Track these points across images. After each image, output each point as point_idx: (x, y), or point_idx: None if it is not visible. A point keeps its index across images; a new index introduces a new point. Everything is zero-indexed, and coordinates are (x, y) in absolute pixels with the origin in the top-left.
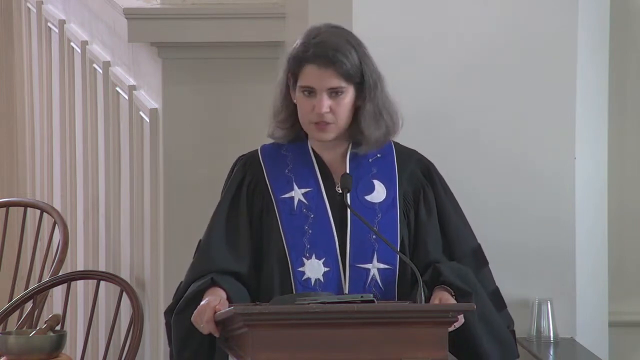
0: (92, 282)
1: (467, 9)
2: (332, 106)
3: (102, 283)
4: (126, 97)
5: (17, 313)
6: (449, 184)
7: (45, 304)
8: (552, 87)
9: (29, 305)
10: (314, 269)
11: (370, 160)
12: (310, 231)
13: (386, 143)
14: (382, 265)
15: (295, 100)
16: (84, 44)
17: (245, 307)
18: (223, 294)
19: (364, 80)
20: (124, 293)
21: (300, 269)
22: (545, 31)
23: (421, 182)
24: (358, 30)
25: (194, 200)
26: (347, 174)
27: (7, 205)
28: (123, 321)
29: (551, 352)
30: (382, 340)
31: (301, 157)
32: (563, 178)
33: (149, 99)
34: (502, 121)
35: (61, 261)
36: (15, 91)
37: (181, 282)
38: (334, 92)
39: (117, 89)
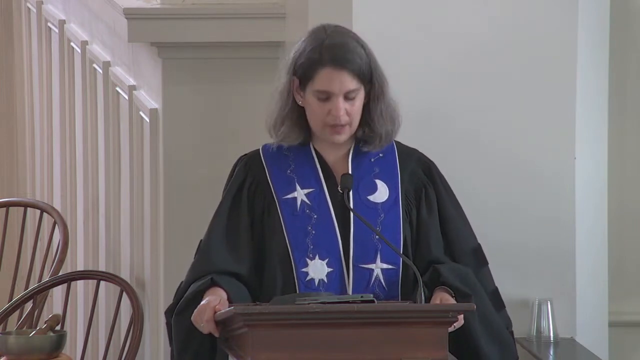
0: (92, 282)
1: (467, 9)
2: (347, 108)
3: (102, 283)
4: (126, 97)
5: (17, 313)
6: (449, 183)
7: (45, 304)
8: (552, 87)
9: (29, 305)
10: (317, 269)
11: (372, 160)
12: (313, 232)
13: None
14: (385, 266)
15: (300, 103)
16: (84, 44)
17: (245, 307)
18: (223, 294)
19: (372, 79)
20: (124, 293)
21: (303, 270)
22: (545, 31)
23: (422, 180)
24: (358, 30)
25: (194, 200)
26: (348, 173)
27: (7, 205)
28: (123, 321)
29: (551, 352)
30: (382, 340)
31: (303, 157)
32: (563, 178)
33: (149, 99)
34: (502, 121)
35: (61, 261)
36: (15, 91)
37: (181, 283)
38: (349, 95)
39: (117, 89)
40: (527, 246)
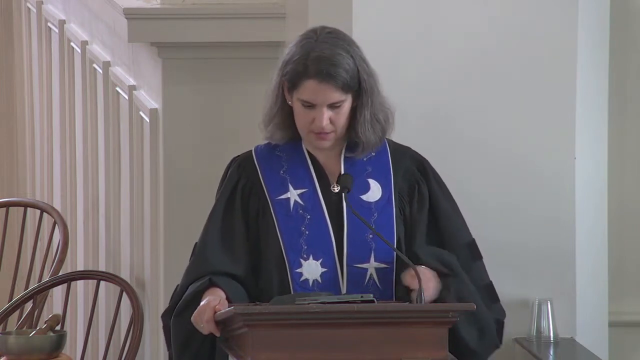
0: (92, 282)
1: (467, 9)
2: (332, 117)
3: (102, 283)
4: (126, 97)
5: (17, 313)
6: (449, 184)
7: (45, 304)
8: (552, 87)
9: (29, 305)
10: (311, 270)
11: (364, 159)
12: (307, 232)
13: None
14: (379, 265)
15: (290, 103)
16: (84, 44)
17: (245, 307)
18: (222, 294)
19: (360, 87)
20: (124, 293)
21: (298, 270)
22: (545, 31)
23: (416, 178)
24: (358, 30)
25: (194, 200)
26: (347, 173)
27: (7, 205)
28: (123, 321)
29: (551, 352)
30: (382, 340)
31: (296, 157)
32: (563, 178)
33: (149, 99)
34: (502, 121)
35: (61, 261)
36: (15, 91)
37: (177, 286)
38: (334, 104)
39: (117, 89)
40: (527, 246)
